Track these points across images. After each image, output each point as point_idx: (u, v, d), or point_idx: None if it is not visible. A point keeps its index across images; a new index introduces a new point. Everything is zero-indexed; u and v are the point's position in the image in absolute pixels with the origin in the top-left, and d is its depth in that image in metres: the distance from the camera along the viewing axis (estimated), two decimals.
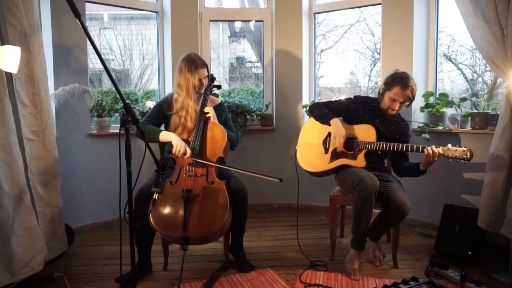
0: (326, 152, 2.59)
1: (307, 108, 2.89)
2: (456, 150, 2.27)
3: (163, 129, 2.52)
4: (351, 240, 2.43)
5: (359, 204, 2.31)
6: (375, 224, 2.50)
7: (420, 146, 2.34)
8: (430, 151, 2.28)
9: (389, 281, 2.25)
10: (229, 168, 2.43)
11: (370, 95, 3.40)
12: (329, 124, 2.60)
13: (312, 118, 2.73)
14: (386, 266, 2.53)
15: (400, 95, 2.43)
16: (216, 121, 2.48)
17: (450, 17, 3.29)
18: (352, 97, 2.72)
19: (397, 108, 2.49)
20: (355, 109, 2.62)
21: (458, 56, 3.57)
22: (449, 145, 2.30)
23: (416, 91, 2.46)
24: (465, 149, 2.25)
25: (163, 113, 2.51)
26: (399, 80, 2.43)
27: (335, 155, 2.56)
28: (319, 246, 2.89)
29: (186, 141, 2.39)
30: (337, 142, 2.51)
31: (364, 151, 2.49)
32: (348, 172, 2.47)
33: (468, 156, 2.24)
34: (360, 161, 2.49)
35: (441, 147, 2.30)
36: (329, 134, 2.62)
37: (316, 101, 3.82)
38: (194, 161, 2.32)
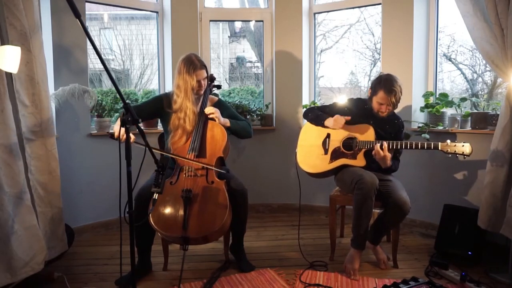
0: (326, 153, 2.60)
1: (302, 113, 2.89)
2: (455, 145, 2.27)
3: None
4: (351, 240, 2.43)
5: (359, 202, 2.31)
6: (375, 226, 2.49)
7: (419, 143, 2.34)
8: (376, 150, 2.36)
9: (389, 281, 2.25)
10: (215, 169, 2.33)
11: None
12: (324, 125, 2.62)
13: None
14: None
15: (385, 99, 2.43)
16: (222, 120, 2.45)
17: (450, 17, 3.29)
18: (346, 100, 2.73)
19: (385, 111, 2.48)
20: (349, 112, 2.63)
21: (458, 56, 3.57)
22: (448, 141, 2.30)
23: (401, 94, 2.43)
24: (464, 144, 2.26)
25: (160, 106, 2.49)
26: (383, 85, 2.42)
27: (335, 156, 2.57)
28: (319, 246, 2.89)
29: (186, 142, 2.39)
30: (339, 125, 2.54)
31: (363, 150, 2.49)
32: (347, 172, 2.48)
33: (468, 151, 2.24)
34: (360, 160, 2.49)
35: (440, 143, 2.31)
36: (328, 135, 2.62)
37: (316, 101, 3.83)
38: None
